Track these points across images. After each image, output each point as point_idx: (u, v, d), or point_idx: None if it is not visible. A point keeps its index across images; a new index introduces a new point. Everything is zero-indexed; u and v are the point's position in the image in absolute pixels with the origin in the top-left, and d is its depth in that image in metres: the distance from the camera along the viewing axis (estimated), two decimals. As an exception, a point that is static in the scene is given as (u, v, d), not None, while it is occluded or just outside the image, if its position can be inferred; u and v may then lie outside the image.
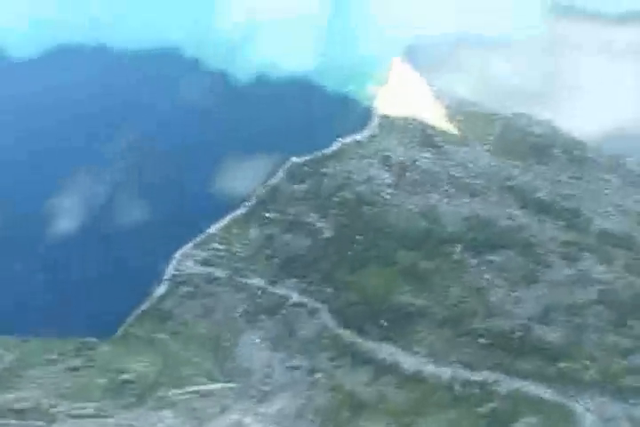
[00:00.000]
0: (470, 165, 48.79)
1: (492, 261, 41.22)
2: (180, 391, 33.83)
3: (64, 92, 56.62)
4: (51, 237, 46.28)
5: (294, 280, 42.48)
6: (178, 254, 44.97)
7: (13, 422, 28.81)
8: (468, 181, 46.87)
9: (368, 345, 37.80)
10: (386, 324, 38.43)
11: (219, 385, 34.50)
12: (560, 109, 56.42)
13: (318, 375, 36.45)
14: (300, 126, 56.50)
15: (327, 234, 44.67)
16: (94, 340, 39.97)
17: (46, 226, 46.88)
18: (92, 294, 42.42)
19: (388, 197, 46.65)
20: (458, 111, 54.78)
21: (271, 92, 58.25)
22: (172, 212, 48.34)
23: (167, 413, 30.85)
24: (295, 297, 41.80)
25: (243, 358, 36.61)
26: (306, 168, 49.33)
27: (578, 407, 33.78)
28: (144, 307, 41.99)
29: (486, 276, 40.74)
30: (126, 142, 53.16)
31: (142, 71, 59.52)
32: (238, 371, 36.26)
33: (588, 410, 32.78)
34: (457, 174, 47.87)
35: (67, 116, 55.62)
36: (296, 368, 36.68)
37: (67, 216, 48.05)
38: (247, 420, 30.87)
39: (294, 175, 48.55)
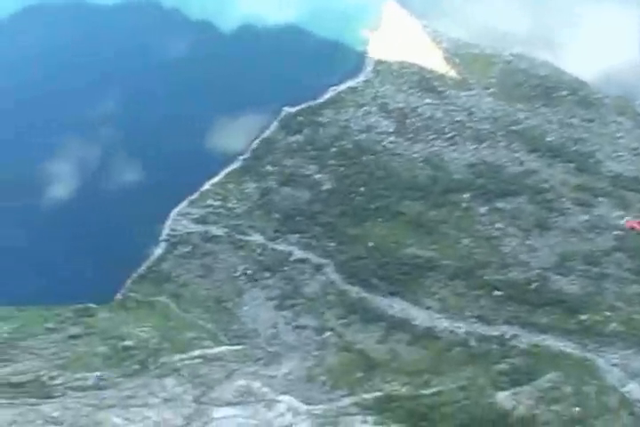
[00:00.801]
0: (474, 110, 46.94)
1: (502, 209, 39.62)
2: (183, 357, 32.44)
3: (46, 49, 54.56)
4: (43, 202, 44.52)
5: (296, 235, 40.90)
6: (173, 214, 43.60)
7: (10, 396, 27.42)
8: (472, 126, 45.07)
9: (377, 301, 36.36)
10: (394, 278, 37.10)
11: (223, 348, 33.12)
12: (560, 51, 54.55)
13: (327, 335, 35.05)
14: (291, 76, 54.39)
15: (327, 186, 42.99)
16: (93, 306, 38.46)
17: (37, 190, 45.19)
18: (88, 259, 40.68)
19: (389, 145, 44.88)
20: (455, 54, 52.76)
21: (260, 42, 56.16)
22: (162, 170, 46.71)
23: (171, 380, 29.39)
24: (298, 253, 40.29)
25: (247, 319, 35.17)
26: (300, 118, 47.45)
27: (602, 362, 32.28)
28: (142, 269, 40.46)
29: (497, 224, 39.17)
30: (112, 100, 51.24)
31: (123, 24, 57.31)
32: (243, 333, 34.86)
33: (612, 364, 30.94)
34: (461, 120, 46.08)
35: (51, 71, 53.54)
36: (303, 328, 35.26)
37: (58, 179, 46.26)
38: (255, 384, 29.48)
39: (289, 126, 46.67)
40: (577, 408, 29.08)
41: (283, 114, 47.00)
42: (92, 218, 42.42)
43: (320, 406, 28.81)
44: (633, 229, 38.20)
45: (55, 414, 23.13)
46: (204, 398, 26.57)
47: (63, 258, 41.09)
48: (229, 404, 26.59)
